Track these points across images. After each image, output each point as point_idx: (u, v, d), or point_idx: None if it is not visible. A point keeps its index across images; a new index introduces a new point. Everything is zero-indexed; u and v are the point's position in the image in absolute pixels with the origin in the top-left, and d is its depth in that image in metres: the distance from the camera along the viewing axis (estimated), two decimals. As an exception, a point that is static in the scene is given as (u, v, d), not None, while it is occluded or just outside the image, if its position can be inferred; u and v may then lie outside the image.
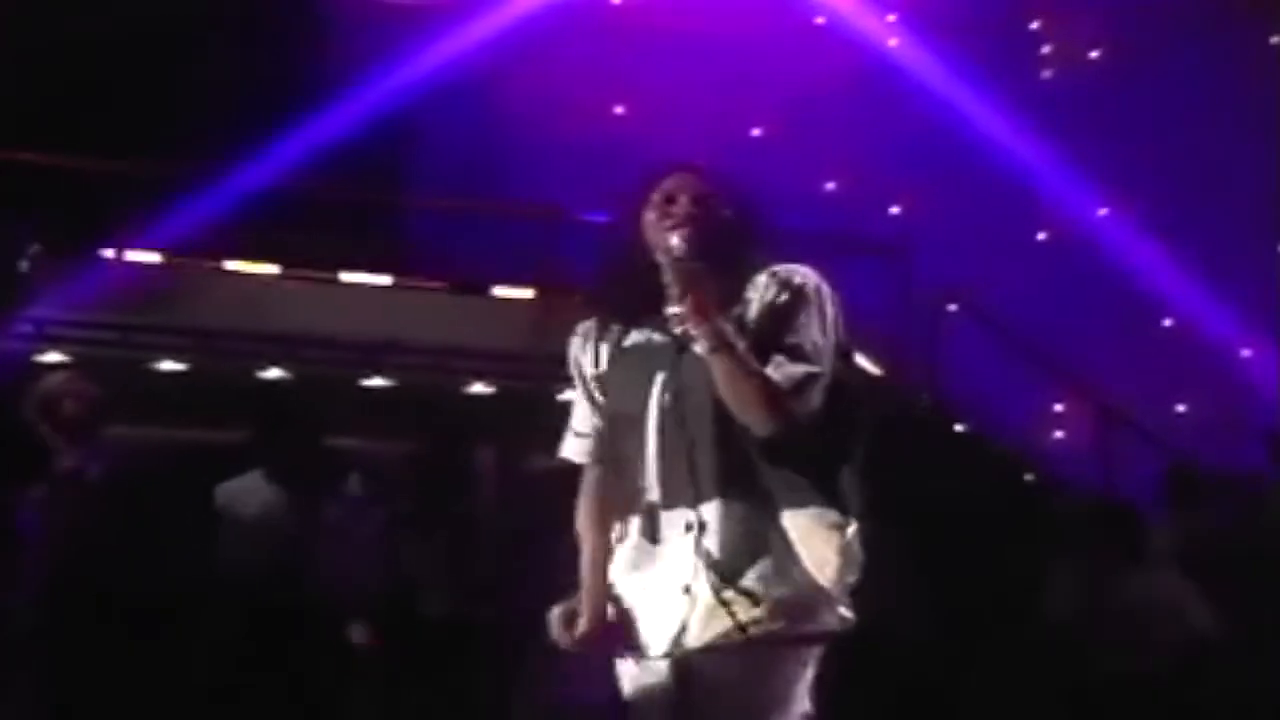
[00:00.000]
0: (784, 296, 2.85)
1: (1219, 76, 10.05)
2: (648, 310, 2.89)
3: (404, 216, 10.11)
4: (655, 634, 2.84)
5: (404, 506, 6.26)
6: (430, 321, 8.00)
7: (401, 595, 6.01)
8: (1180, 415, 9.94)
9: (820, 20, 10.64)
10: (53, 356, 7.01)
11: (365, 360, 7.80)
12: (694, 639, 2.79)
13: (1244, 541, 6.46)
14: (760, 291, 2.87)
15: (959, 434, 8.81)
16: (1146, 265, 10.01)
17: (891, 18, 10.66)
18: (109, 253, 7.89)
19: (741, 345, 2.77)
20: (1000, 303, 9.14)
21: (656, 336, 2.91)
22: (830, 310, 2.87)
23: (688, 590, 2.79)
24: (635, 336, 2.94)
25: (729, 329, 2.78)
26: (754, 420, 2.76)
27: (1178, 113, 9.91)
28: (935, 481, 7.40)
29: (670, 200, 2.92)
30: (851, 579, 2.82)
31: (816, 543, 2.79)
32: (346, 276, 8.29)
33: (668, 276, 2.78)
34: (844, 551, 2.80)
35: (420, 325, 7.94)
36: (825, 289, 2.90)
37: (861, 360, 8.61)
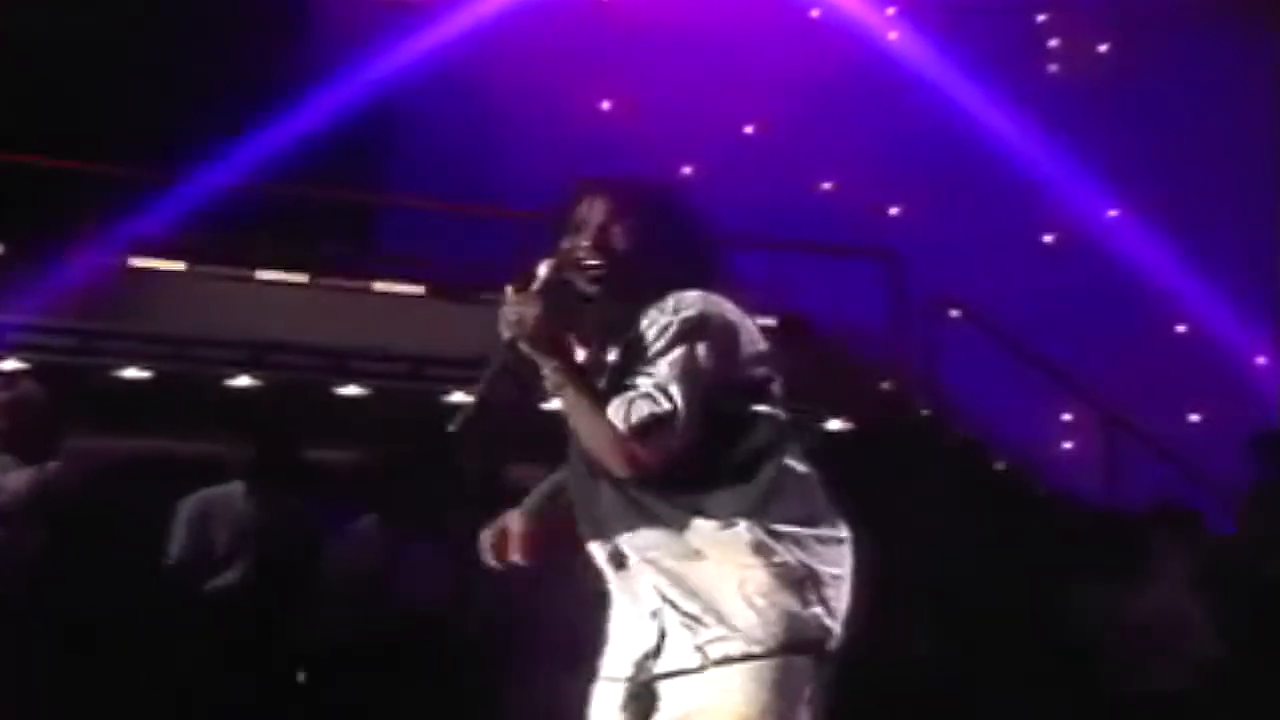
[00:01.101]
0: (656, 327, 2.76)
1: (1238, 71, 10.10)
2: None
3: (381, 216, 10.12)
4: (621, 658, 2.87)
5: (382, 520, 6.25)
6: (409, 327, 8.01)
7: (382, 613, 6.01)
8: (1193, 425, 9.97)
9: (815, 13, 10.68)
10: (9, 364, 6.99)
11: (339, 368, 7.80)
12: (660, 665, 2.80)
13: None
14: (647, 322, 2.78)
15: (959, 445, 8.79)
16: (1157, 269, 10.06)
17: (891, 11, 10.70)
18: (69, 255, 7.88)
19: (584, 383, 2.73)
20: (1003, 309, 9.18)
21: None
22: (706, 347, 2.75)
23: (654, 616, 2.80)
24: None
25: (572, 366, 2.74)
26: (606, 463, 2.73)
27: (1191, 110, 9.96)
28: (934, 496, 7.42)
29: (580, 227, 2.89)
30: (792, 598, 2.73)
31: (740, 563, 2.73)
32: (321, 280, 8.28)
33: (508, 314, 2.76)
34: (770, 567, 2.73)
35: (398, 331, 7.95)
36: (717, 322, 2.78)
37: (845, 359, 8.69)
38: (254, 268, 8.14)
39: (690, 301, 2.78)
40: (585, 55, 10.00)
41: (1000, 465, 8.89)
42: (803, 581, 2.75)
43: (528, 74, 9.68)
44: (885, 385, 8.99)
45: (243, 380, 7.63)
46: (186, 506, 6.12)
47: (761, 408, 2.82)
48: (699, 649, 2.74)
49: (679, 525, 2.76)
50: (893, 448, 7.94)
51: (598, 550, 2.87)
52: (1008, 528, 7.48)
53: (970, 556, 6.95)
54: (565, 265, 2.83)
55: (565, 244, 2.88)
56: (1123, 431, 9.15)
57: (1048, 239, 10.45)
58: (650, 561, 2.79)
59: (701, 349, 2.75)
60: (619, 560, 2.83)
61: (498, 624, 5.87)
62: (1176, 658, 6.01)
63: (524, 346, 2.74)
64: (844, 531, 2.85)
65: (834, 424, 8.19)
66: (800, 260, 9.03)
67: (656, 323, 2.77)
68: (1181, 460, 8.90)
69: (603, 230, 2.87)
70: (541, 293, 2.77)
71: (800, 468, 2.84)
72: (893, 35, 10.65)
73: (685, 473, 2.73)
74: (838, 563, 2.82)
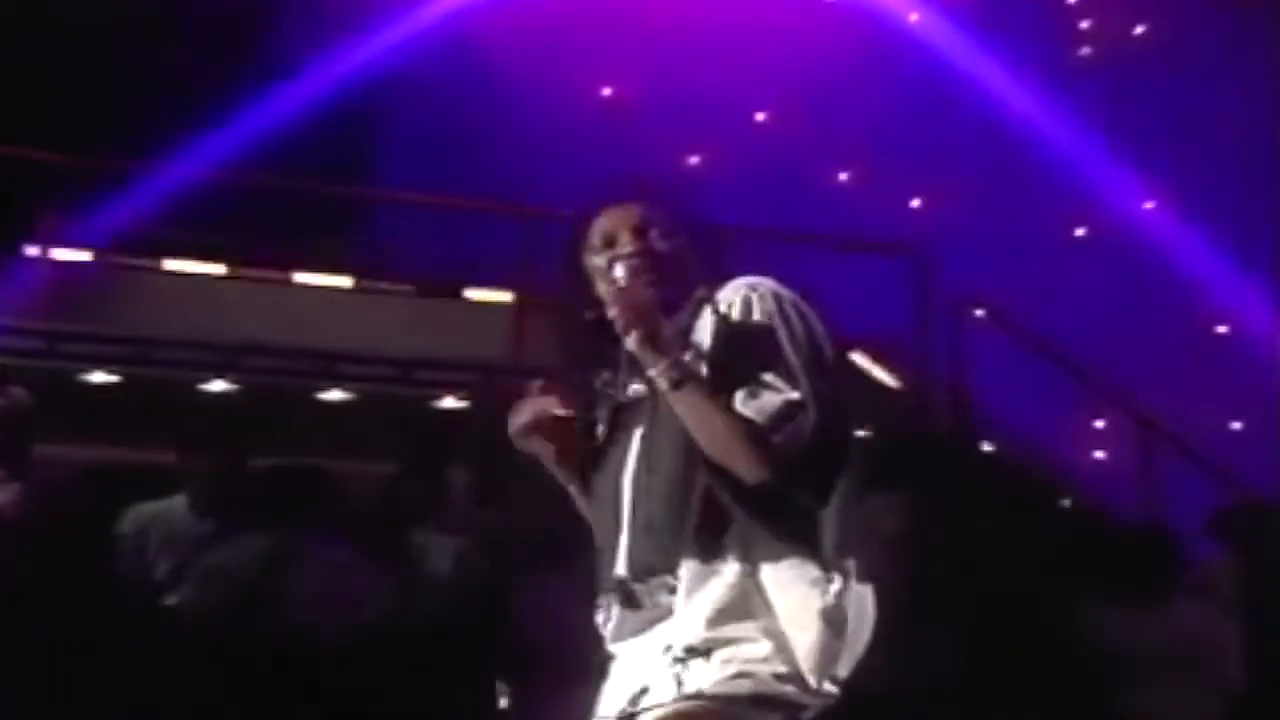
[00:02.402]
0: (738, 320, 2.82)
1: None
2: (624, 363, 2.92)
3: (366, 211, 10.12)
4: (615, 695, 2.87)
5: (367, 536, 6.24)
6: (396, 328, 8.01)
7: (361, 636, 6.00)
8: (1234, 433, 9.95)
9: (830, -8, 10.69)
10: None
11: (322, 371, 7.79)
12: (651, 699, 2.80)
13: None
14: (711, 323, 2.84)
15: (986, 454, 8.82)
16: (1197, 265, 10.05)
17: (912, -10, 10.71)
18: (34, 251, 7.88)
19: (702, 381, 2.76)
20: (1032, 308, 9.16)
21: (636, 387, 2.93)
22: (798, 323, 2.83)
23: (668, 649, 2.80)
24: (632, 390, 2.95)
25: (690, 362, 2.77)
26: (740, 464, 2.73)
27: (1233, 97, 9.95)
28: (957, 510, 7.42)
29: (610, 241, 2.97)
30: (836, 648, 2.77)
31: (795, 600, 2.76)
32: (301, 278, 8.29)
33: (610, 315, 2.80)
34: (826, 614, 2.75)
35: (384, 332, 7.95)
36: (787, 296, 2.86)
37: (864, 364, 8.70)
38: (230, 265, 8.15)
39: (755, 284, 2.86)
40: (584, 37, 9.99)
41: (1029, 476, 8.87)
42: (839, 632, 2.78)
43: (523, 58, 9.68)
44: (905, 391, 8.99)
45: (217, 385, 7.61)
46: (124, 522, 6.05)
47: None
48: (676, 678, 2.76)
49: (755, 553, 2.77)
50: (912, 458, 7.93)
51: (652, 586, 2.85)
52: (1035, 543, 7.47)
53: (996, 574, 6.95)
54: (637, 271, 2.89)
55: (598, 259, 2.95)
56: (1159, 440, 9.11)
57: (1080, 233, 10.44)
58: (697, 591, 2.78)
59: (798, 328, 2.82)
60: (632, 599, 2.84)
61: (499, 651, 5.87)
62: (1205, 686, 6.01)
63: (640, 348, 2.76)
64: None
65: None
66: (813, 255, 9.00)
67: (734, 313, 2.83)
68: (1222, 471, 8.88)
69: (640, 235, 2.94)
70: (644, 292, 2.83)
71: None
72: (914, 17, 10.64)
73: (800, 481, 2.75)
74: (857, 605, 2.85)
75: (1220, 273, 10.09)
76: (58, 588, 5.42)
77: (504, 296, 8.32)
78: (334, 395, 7.78)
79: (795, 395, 2.74)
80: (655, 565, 2.82)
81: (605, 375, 2.99)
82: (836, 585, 2.79)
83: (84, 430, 7.14)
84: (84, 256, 7.96)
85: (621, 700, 2.85)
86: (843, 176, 10.47)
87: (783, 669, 2.74)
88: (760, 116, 10.40)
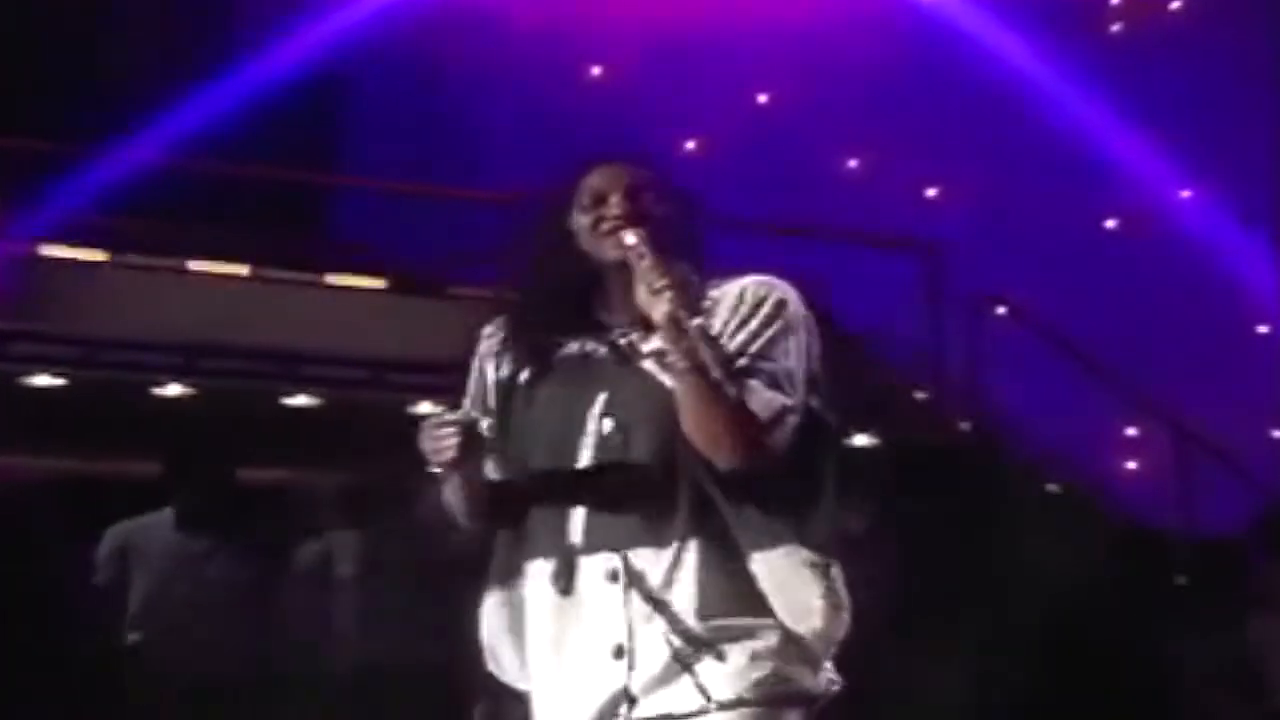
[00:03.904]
0: (761, 315, 2.92)
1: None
2: (580, 321, 3.00)
3: (336, 201, 10.11)
4: (580, 707, 2.86)
5: (336, 550, 6.25)
6: (368, 327, 7.99)
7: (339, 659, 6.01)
8: (1276, 441, 9.96)
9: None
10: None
11: (288, 374, 7.80)
12: (642, 710, 2.82)
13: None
14: (730, 305, 2.93)
15: (1008, 465, 8.79)
16: (1236, 260, 10.04)
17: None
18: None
19: (707, 366, 2.80)
20: (1057, 306, 9.14)
21: (596, 349, 2.99)
22: (807, 338, 2.94)
23: (620, 653, 2.82)
24: (571, 348, 3.01)
25: (704, 344, 2.81)
26: (721, 452, 2.82)
27: (1274, 80, 9.95)
28: (977, 521, 7.44)
29: (600, 200, 3.00)
30: (839, 631, 2.88)
31: (794, 587, 2.84)
32: (265, 273, 8.26)
33: (648, 277, 2.82)
34: (828, 597, 2.85)
35: (356, 332, 7.94)
36: (805, 312, 2.97)
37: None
38: (187, 258, 8.11)
39: (785, 289, 2.97)
40: (570, 11, 9.99)
41: (1054, 487, 8.90)
42: (841, 616, 2.88)
43: (504, 36, 9.69)
44: (920, 394, 8.99)
45: (174, 389, 7.61)
46: (104, 541, 6.07)
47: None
48: (703, 691, 2.79)
49: (742, 539, 2.84)
50: (929, 466, 7.94)
51: (595, 565, 2.87)
52: (1062, 557, 7.50)
53: (1019, 589, 6.98)
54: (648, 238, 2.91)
55: (584, 218, 2.98)
56: (1195, 448, 9.11)
57: (1109, 225, 10.44)
58: (681, 579, 2.83)
59: (807, 343, 2.93)
60: (624, 574, 2.85)
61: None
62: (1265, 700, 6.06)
63: (668, 320, 2.79)
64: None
65: (860, 439, 8.19)
66: (821, 249, 9.01)
67: (760, 307, 2.92)
68: (1262, 481, 8.89)
69: (632, 197, 2.97)
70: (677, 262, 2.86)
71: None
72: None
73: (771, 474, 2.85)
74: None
75: (1261, 269, 10.11)
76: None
77: (484, 293, 8.30)
78: (300, 400, 7.78)
79: (789, 401, 2.85)
80: (622, 542, 2.85)
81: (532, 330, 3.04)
82: (835, 569, 2.88)
83: (25, 439, 7.14)
84: (27, 250, 7.92)
85: (588, 711, 2.84)
86: (852, 164, 10.47)
87: (796, 661, 2.84)
88: (762, 98, 10.40)
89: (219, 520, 6.12)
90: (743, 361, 2.87)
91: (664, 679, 2.82)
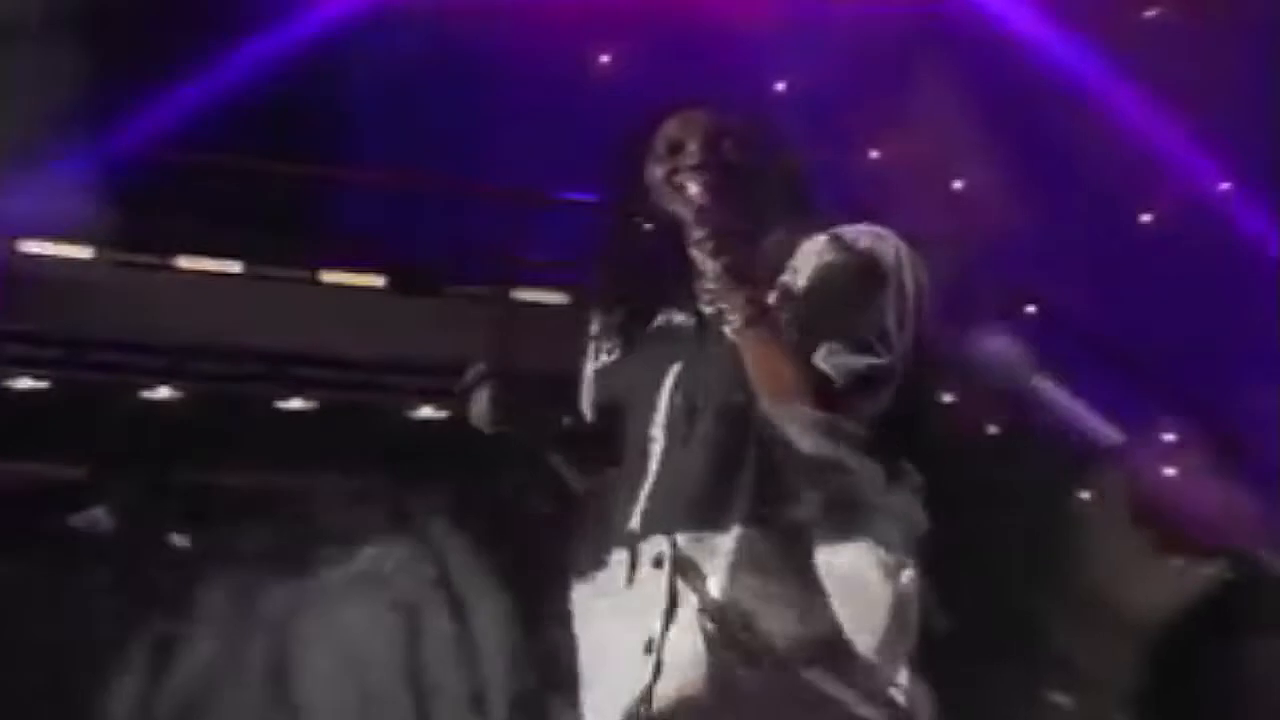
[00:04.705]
0: (847, 267, 2.79)
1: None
2: (669, 288, 2.88)
3: (332, 195, 10.07)
4: (607, 702, 2.74)
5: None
6: (365, 328, 7.94)
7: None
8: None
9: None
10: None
11: (281, 376, 7.76)
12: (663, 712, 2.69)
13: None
14: (814, 259, 2.81)
15: (1038, 472, 8.65)
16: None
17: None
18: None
19: (784, 321, 2.71)
20: (1090, 304, 9.15)
21: (679, 318, 2.88)
22: (912, 287, 2.80)
23: (649, 648, 2.69)
24: (658, 320, 2.92)
25: (770, 300, 2.72)
26: (792, 420, 2.69)
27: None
28: (1005, 532, 7.43)
29: (676, 149, 2.89)
30: (905, 645, 2.72)
31: (858, 589, 2.70)
32: (256, 270, 8.21)
33: (693, 235, 2.71)
34: (897, 605, 2.70)
35: (352, 333, 7.89)
36: (908, 258, 2.83)
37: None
38: (175, 255, 8.07)
39: (881, 235, 2.86)
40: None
41: (1087, 496, 8.78)
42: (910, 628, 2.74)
43: (511, 20, 9.65)
44: (946, 398, 8.92)
45: (162, 392, 7.56)
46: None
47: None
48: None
49: (810, 530, 2.71)
50: (955, 473, 7.87)
51: (648, 550, 2.76)
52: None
53: (1053, 601, 7.00)
54: (711, 187, 2.84)
55: (660, 169, 2.89)
56: (1238, 456, 9.04)
57: (1145, 219, 10.38)
58: (732, 570, 2.68)
59: (911, 294, 2.81)
60: (669, 561, 2.73)
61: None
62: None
63: (719, 276, 2.69)
64: None
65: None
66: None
67: (846, 259, 2.81)
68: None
69: (711, 146, 2.87)
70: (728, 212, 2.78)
71: None
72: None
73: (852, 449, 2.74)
74: None
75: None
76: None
77: (487, 292, 8.29)
78: (294, 404, 7.74)
79: (881, 362, 2.71)
80: (674, 525, 2.74)
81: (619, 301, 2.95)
82: (910, 572, 2.74)
83: (7, 443, 7.10)
84: (3, 245, 7.89)
85: (613, 709, 2.72)
86: (874, 155, 10.42)
87: (853, 678, 2.67)
88: (780, 86, 10.33)
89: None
90: (827, 317, 2.75)
91: (693, 681, 2.67)
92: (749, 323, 2.67)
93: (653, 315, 2.92)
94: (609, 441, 2.91)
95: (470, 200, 9.32)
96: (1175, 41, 10.13)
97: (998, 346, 8.03)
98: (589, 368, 3.00)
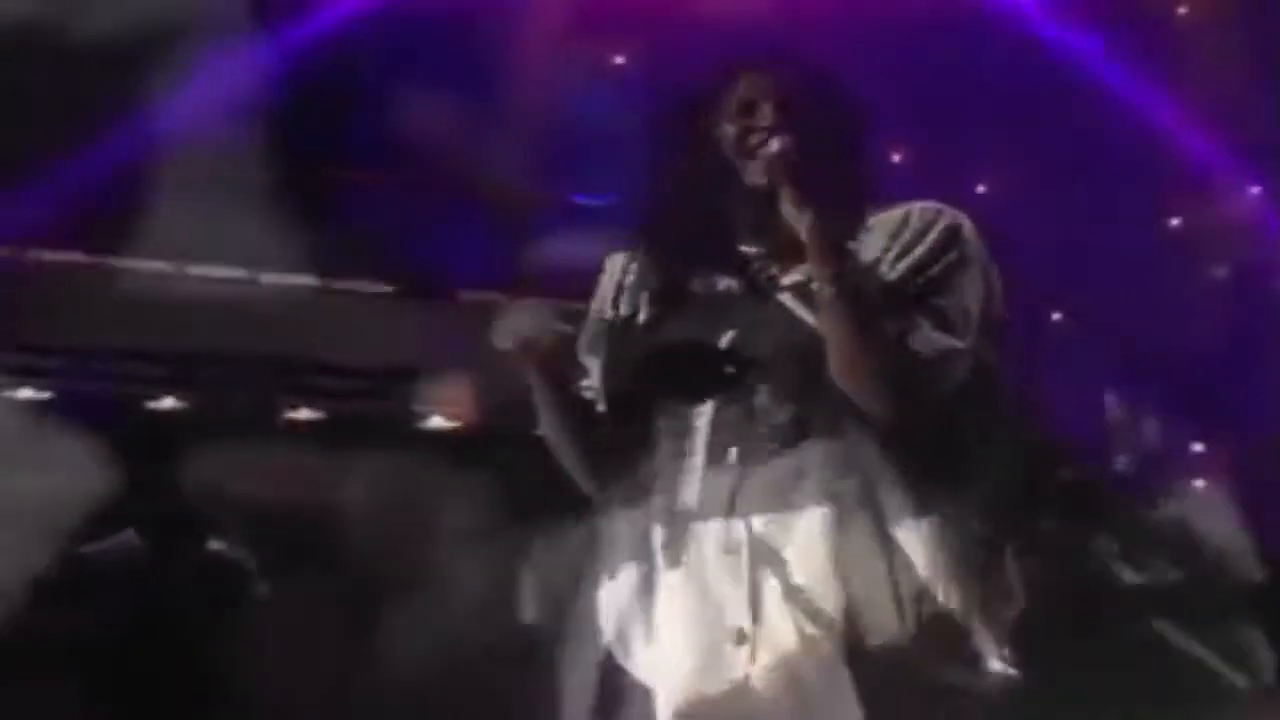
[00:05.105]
0: (929, 242, 2.77)
1: None
2: (721, 250, 2.84)
3: (339, 197, 10.04)
4: (697, 701, 2.64)
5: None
6: (373, 335, 7.94)
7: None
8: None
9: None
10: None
11: (288, 386, 7.79)
12: None
13: None
14: (890, 231, 2.78)
15: (1064, 481, 8.73)
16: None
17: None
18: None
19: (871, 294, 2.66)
20: (1118, 310, 9.15)
21: (729, 282, 2.83)
22: (983, 274, 2.81)
23: (742, 639, 2.61)
24: (703, 283, 2.87)
25: (859, 271, 2.67)
26: (872, 394, 2.65)
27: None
28: (1029, 549, 7.40)
29: (749, 109, 2.87)
30: (1007, 614, 2.71)
31: (951, 565, 2.65)
32: (260, 276, 8.24)
33: (787, 199, 2.66)
34: (994, 581, 2.69)
35: (360, 340, 7.91)
36: (981, 243, 2.83)
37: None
38: (178, 260, 8.06)
39: (963, 220, 2.85)
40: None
41: (1115, 509, 8.78)
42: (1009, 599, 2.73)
43: (523, 18, 9.62)
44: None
45: (166, 402, 7.58)
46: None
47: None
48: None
49: (888, 506, 2.66)
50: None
51: (710, 532, 2.68)
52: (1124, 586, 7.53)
53: (1081, 614, 7.00)
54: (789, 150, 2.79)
55: (731, 127, 2.86)
56: (1270, 467, 8.99)
57: (1174, 223, 10.34)
58: (808, 550, 2.62)
59: (993, 281, 2.83)
60: (747, 546, 2.66)
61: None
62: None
63: (812, 235, 2.67)
64: None
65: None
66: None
67: (934, 237, 2.79)
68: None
69: (785, 109, 2.85)
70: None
71: None
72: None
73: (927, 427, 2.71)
74: None
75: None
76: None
77: (500, 298, 8.29)
78: (302, 414, 7.78)
79: (960, 344, 2.70)
80: (745, 507, 2.68)
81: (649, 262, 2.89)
82: (1007, 549, 2.75)
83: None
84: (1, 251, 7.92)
85: (716, 694, 2.63)
86: (896, 158, 10.37)
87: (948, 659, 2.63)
88: (799, 86, 10.32)
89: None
90: (905, 295, 2.72)
91: (796, 671, 2.60)
92: (837, 295, 2.63)
93: (694, 278, 2.87)
94: (639, 417, 2.84)
95: (480, 203, 9.31)
96: (1204, 42, 10.13)
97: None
98: (606, 313, 2.94)
